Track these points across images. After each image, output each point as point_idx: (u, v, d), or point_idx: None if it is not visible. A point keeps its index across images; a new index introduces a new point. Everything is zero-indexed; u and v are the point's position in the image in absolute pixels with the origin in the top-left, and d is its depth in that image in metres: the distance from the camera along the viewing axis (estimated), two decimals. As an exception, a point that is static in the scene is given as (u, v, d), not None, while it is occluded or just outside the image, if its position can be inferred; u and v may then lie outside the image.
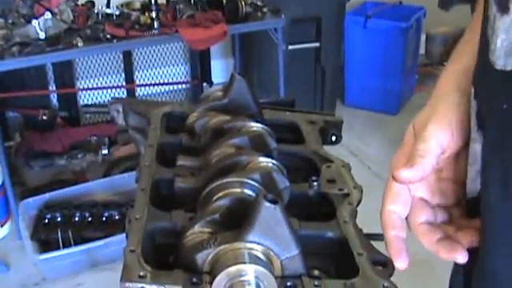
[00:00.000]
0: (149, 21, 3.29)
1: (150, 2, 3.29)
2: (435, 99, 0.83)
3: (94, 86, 4.42)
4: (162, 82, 4.65)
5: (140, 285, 0.70)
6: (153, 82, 4.62)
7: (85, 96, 4.43)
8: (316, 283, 0.74)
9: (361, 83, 4.58)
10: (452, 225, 0.82)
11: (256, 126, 0.98)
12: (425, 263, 2.57)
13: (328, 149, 1.07)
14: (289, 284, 0.74)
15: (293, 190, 0.90)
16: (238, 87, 1.07)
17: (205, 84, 4.63)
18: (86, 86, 4.40)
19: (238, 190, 0.83)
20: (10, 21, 3.14)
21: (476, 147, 0.78)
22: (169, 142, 1.05)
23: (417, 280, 2.22)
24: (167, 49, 4.61)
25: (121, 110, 1.21)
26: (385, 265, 0.78)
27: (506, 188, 0.72)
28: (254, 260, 0.71)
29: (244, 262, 0.71)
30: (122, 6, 3.61)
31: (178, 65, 4.72)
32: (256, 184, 0.84)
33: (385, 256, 0.79)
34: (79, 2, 3.44)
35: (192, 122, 1.05)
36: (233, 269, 0.70)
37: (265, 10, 3.55)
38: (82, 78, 4.41)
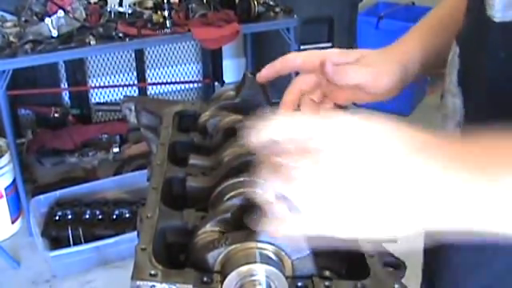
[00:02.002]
0: (161, 19, 3.30)
1: (163, 1, 3.30)
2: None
3: (106, 84, 4.44)
4: (173, 80, 4.66)
5: (151, 283, 0.69)
6: (164, 81, 4.63)
7: (96, 94, 4.45)
8: (327, 284, 0.73)
9: (373, 84, 4.55)
10: None
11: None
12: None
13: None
14: (300, 284, 0.74)
15: (304, 190, 0.89)
16: (250, 87, 1.07)
17: (216, 83, 4.63)
18: (97, 84, 4.42)
19: (250, 189, 0.82)
20: (23, 18, 3.15)
21: (456, 101, 0.84)
22: (181, 141, 1.05)
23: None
24: (179, 48, 4.62)
25: (133, 108, 1.21)
26: (396, 266, 0.77)
27: None
28: (265, 260, 0.71)
29: (255, 262, 0.71)
30: (134, 4, 3.62)
31: (189, 64, 4.72)
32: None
33: (396, 258, 0.78)
34: (92, 1, 3.45)
35: (204, 121, 1.05)
36: (244, 268, 0.70)
37: (277, 9, 3.55)
38: (94, 76, 4.42)
